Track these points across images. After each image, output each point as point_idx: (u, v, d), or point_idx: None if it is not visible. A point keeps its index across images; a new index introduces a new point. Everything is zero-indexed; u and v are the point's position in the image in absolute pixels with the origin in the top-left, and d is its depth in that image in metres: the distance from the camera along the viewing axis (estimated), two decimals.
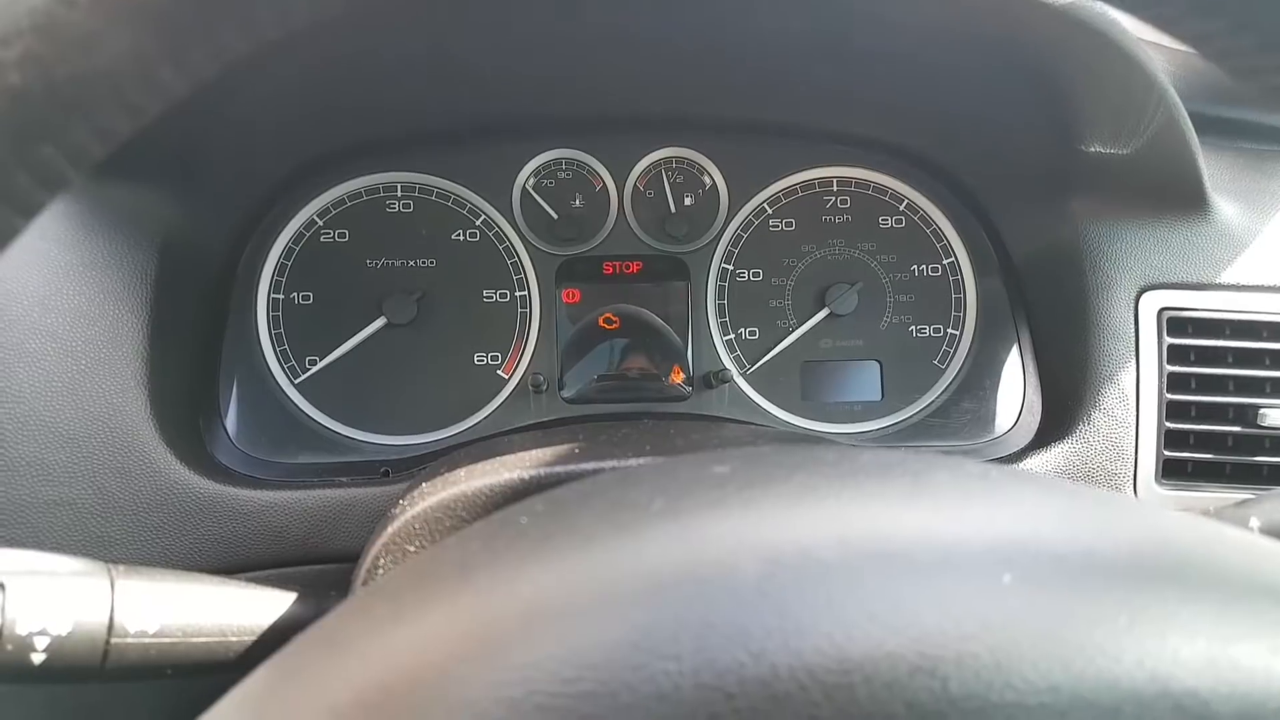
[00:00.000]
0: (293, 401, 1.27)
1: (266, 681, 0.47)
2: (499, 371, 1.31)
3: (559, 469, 0.79)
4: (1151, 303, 1.16)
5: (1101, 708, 0.35)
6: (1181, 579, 0.42)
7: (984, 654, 0.35)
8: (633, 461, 0.81)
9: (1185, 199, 1.16)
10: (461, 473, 0.81)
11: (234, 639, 0.75)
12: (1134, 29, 0.99)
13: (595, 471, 0.79)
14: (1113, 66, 0.99)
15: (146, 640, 0.70)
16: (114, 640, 0.68)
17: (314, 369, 1.27)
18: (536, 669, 0.37)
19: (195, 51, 0.43)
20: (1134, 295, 1.16)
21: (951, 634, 0.36)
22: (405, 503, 0.79)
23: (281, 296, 1.28)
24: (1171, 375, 1.15)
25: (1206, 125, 1.14)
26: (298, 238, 1.29)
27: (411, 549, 0.75)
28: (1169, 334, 1.15)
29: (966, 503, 0.49)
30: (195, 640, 0.73)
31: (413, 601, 0.47)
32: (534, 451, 0.85)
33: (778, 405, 1.33)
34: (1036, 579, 0.41)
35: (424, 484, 0.82)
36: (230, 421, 1.21)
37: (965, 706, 0.34)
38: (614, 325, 1.33)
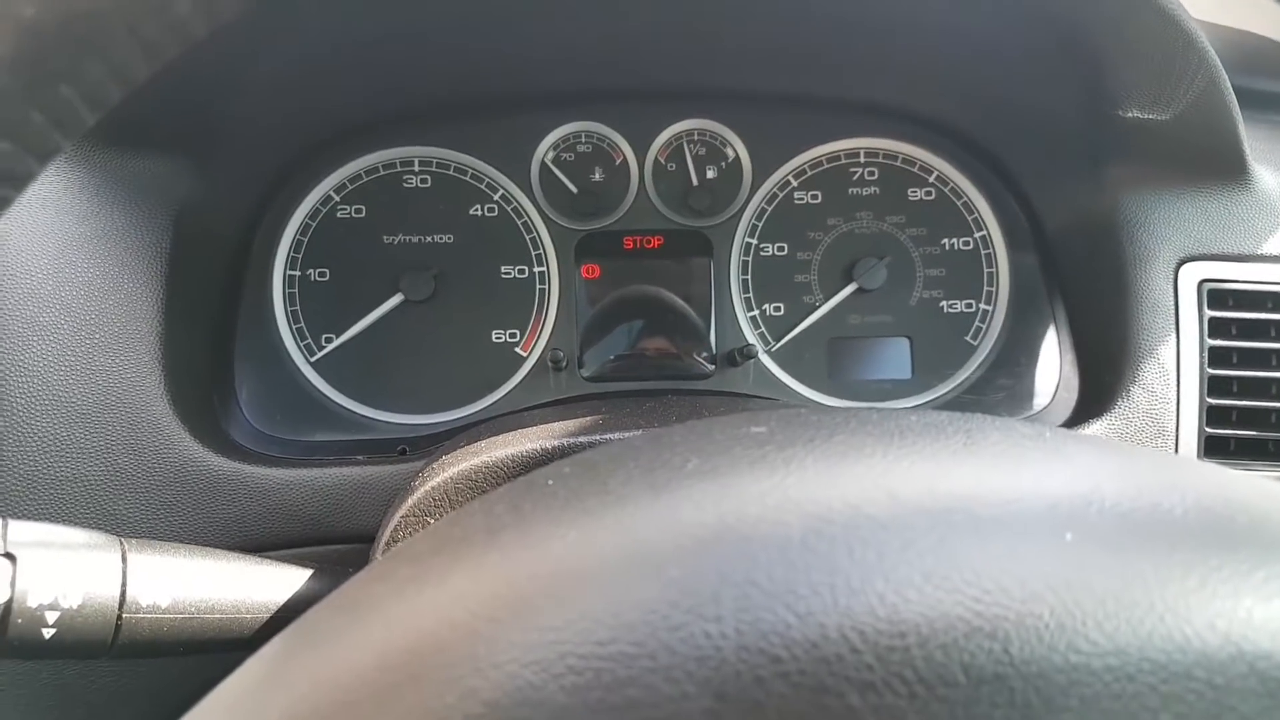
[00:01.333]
0: (308, 379, 1.25)
1: (287, 647, 0.46)
2: (517, 349, 1.29)
3: (583, 439, 0.76)
4: (1191, 274, 1.12)
5: (1171, 671, 0.33)
6: (1254, 538, 0.40)
7: (1047, 615, 0.34)
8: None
9: (1226, 167, 1.12)
10: (482, 444, 0.79)
11: (248, 615, 0.73)
12: None
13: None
14: (1151, 26, 0.95)
15: (159, 615, 0.69)
16: (125, 615, 0.66)
17: (330, 346, 1.25)
18: (568, 630, 0.35)
19: None
20: (1173, 267, 1.12)
21: (1012, 594, 0.34)
22: (425, 474, 0.77)
23: (297, 273, 1.26)
24: (1213, 349, 1.11)
25: (1245, 98, 1.10)
26: (314, 213, 1.27)
27: (431, 521, 0.73)
28: (1210, 307, 1.12)
29: (1023, 459, 0.47)
30: (209, 616, 0.71)
31: (437, 564, 0.45)
32: (556, 424, 0.83)
33: (804, 383, 1.30)
34: (1101, 536, 0.39)
35: (444, 456, 0.80)
36: (245, 399, 1.19)
37: (1027, 670, 0.33)
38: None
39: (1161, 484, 0.46)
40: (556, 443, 0.75)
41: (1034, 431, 0.51)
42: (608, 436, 0.77)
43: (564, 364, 1.27)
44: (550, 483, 0.51)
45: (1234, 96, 1.03)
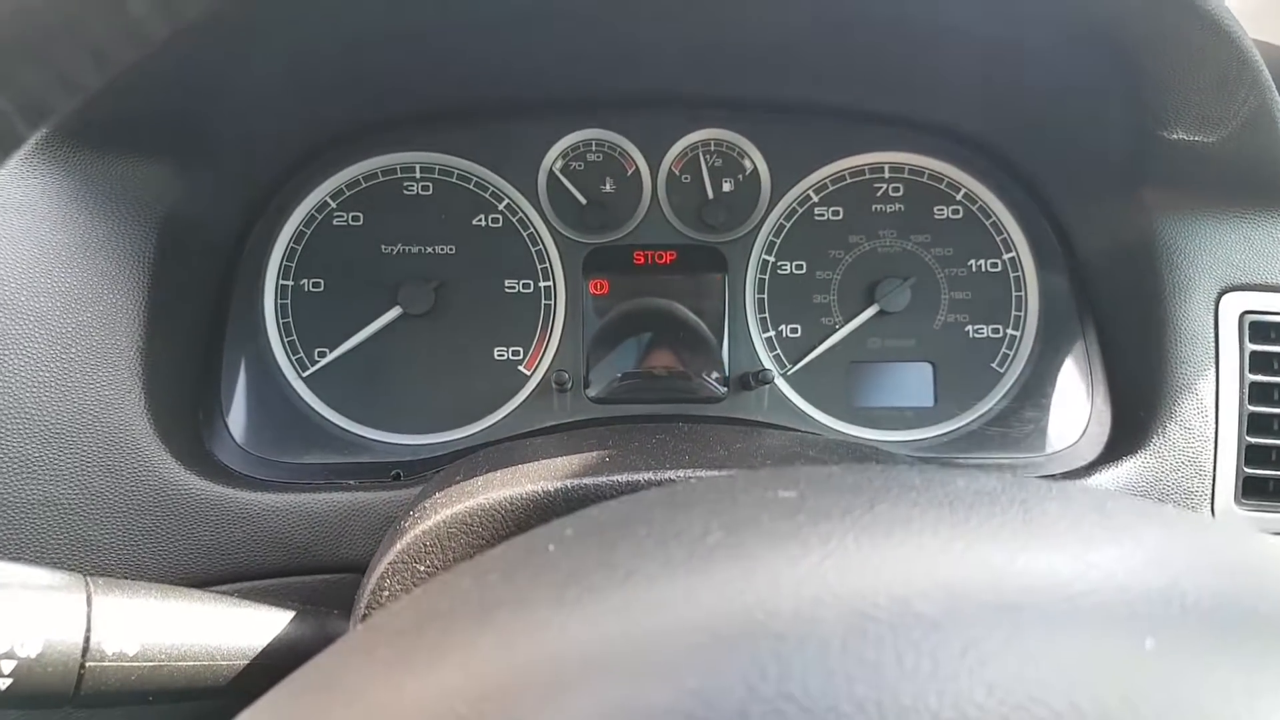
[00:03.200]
0: (300, 396, 1.20)
1: None
2: (520, 367, 1.24)
3: (588, 481, 0.71)
4: (1233, 305, 1.07)
5: None
6: None
7: None
8: (671, 475, 0.72)
9: (1272, 193, 1.07)
10: (478, 482, 0.73)
11: (223, 663, 0.69)
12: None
13: (630, 485, 0.71)
14: (1205, 42, 0.90)
15: (126, 664, 0.65)
16: (89, 664, 0.63)
17: (323, 361, 1.20)
18: None
19: None
20: (1214, 297, 1.07)
21: (1087, 713, 0.30)
22: (415, 515, 0.72)
23: (290, 283, 1.21)
24: (1254, 385, 1.06)
25: None
26: (309, 220, 1.22)
27: (422, 569, 0.67)
28: (1252, 340, 1.07)
29: (1090, 542, 0.41)
30: (180, 664, 0.67)
31: (423, 644, 0.40)
32: (558, 460, 0.77)
33: (821, 409, 1.25)
34: (1185, 644, 0.34)
35: (436, 494, 0.74)
36: (232, 417, 1.14)
37: None
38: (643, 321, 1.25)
39: (1250, 577, 0.41)
40: (559, 485, 0.70)
41: (1095, 503, 0.46)
42: (615, 479, 0.71)
43: (569, 385, 1.22)
44: (551, 549, 0.46)
45: None
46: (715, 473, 0.74)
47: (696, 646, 0.34)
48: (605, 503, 0.51)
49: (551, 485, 0.70)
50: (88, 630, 0.62)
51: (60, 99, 0.37)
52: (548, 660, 0.36)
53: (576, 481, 0.70)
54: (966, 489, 0.46)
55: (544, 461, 0.77)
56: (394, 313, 1.20)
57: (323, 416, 1.19)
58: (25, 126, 0.36)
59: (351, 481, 1.03)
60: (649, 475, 0.72)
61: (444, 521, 0.68)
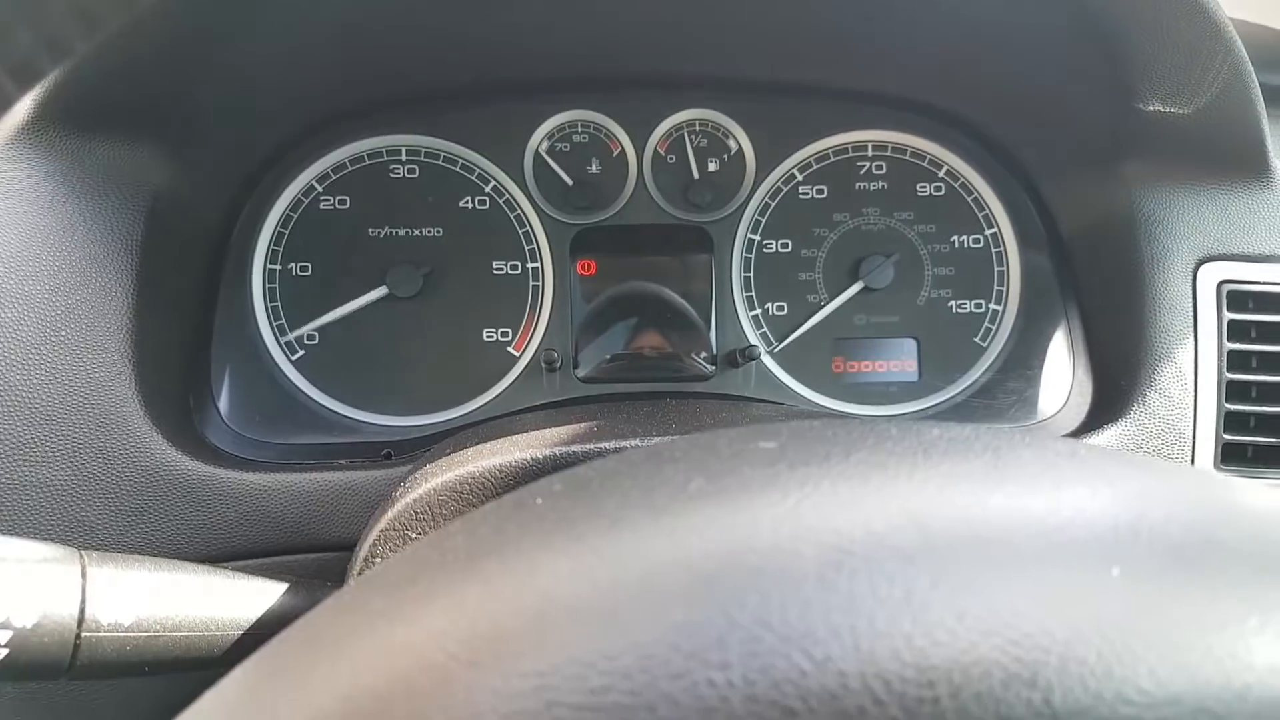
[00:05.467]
0: (289, 378, 1.20)
1: (245, 682, 0.42)
2: (509, 348, 1.24)
3: (576, 448, 0.72)
4: (1210, 275, 1.08)
5: None
6: None
7: (1093, 659, 0.31)
8: (658, 441, 0.74)
9: (1248, 165, 1.08)
10: (469, 452, 0.74)
11: (217, 633, 0.69)
12: None
13: (617, 451, 0.72)
14: (1179, 12, 0.91)
15: (121, 634, 0.65)
16: (85, 634, 0.63)
17: (303, 329, 1.21)
18: (556, 675, 0.32)
19: None
20: (1192, 267, 1.08)
21: (1055, 635, 0.31)
22: (407, 485, 0.72)
23: (278, 267, 1.21)
24: (1232, 353, 1.07)
25: (1268, 95, 1.06)
26: (296, 204, 1.22)
27: (412, 536, 0.68)
28: (1229, 309, 1.08)
29: (1060, 482, 0.43)
30: (175, 635, 0.68)
31: (412, 595, 0.42)
32: (548, 430, 0.78)
33: (807, 385, 1.26)
34: (1150, 571, 0.36)
35: (427, 465, 0.75)
36: (222, 399, 1.14)
37: None
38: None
39: (1213, 510, 0.42)
40: (548, 452, 0.71)
41: (1068, 449, 0.47)
42: (603, 445, 0.72)
43: (558, 364, 1.22)
44: (539, 502, 0.47)
45: (1259, 91, 0.99)
46: None
47: (679, 583, 0.36)
48: (592, 461, 0.52)
49: (541, 453, 0.71)
50: (83, 601, 0.63)
51: (48, 61, 0.37)
52: (536, 601, 0.37)
53: (565, 449, 0.71)
54: (941, 437, 0.47)
55: (533, 433, 0.78)
56: (380, 292, 1.21)
57: (312, 399, 1.20)
58: (15, 88, 0.37)
59: (343, 461, 1.03)
60: (636, 442, 0.73)
61: (434, 489, 0.69)
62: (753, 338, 1.26)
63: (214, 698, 0.42)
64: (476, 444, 0.78)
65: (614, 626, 0.34)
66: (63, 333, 0.92)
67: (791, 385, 1.26)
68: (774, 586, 0.34)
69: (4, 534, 0.63)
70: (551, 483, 0.50)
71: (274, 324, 1.20)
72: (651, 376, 1.25)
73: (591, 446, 0.72)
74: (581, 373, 1.24)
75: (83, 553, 0.65)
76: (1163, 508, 0.40)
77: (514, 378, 1.24)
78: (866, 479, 0.42)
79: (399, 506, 0.69)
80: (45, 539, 0.64)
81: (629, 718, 0.30)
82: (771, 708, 0.30)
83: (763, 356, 1.25)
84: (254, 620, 0.71)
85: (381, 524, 0.68)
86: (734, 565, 0.36)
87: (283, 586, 0.73)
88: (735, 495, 0.42)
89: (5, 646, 0.60)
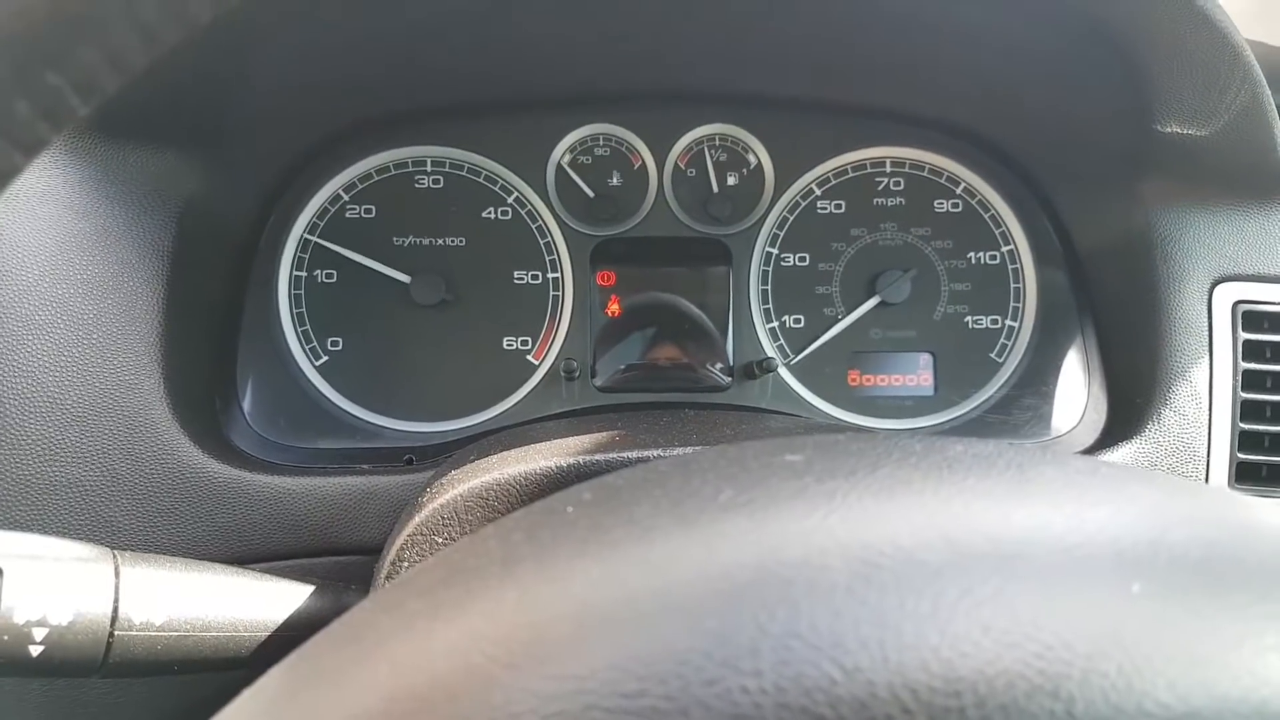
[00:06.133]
0: (313, 384, 1.22)
1: (284, 682, 0.43)
2: (529, 357, 1.26)
3: (600, 457, 0.73)
4: (1226, 295, 1.09)
5: None
6: None
7: (1114, 672, 0.31)
8: (680, 452, 0.75)
9: (1264, 186, 1.09)
10: (494, 459, 0.75)
11: (246, 634, 0.71)
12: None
13: (641, 462, 0.73)
14: (1199, 38, 0.92)
15: (152, 633, 0.66)
16: (118, 632, 0.64)
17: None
18: (594, 679, 0.32)
19: None
20: (1207, 287, 1.09)
21: (1077, 649, 0.32)
22: (433, 490, 0.74)
23: (304, 274, 1.23)
24: (1246, 373, 1.08)
25: None
26: (322, 213, 1.24)
27: (440, 540, 0.70)
28: (1244, 329, 1.08)
29: (1082, 501, 0.44)
30: (205, 635, 0.69)
31: (449, 598, 0.42)
32: (571, 439, 0.80)
33: (823, 398, 1.27)
34: (1171, 587, 0.36)
35: (452, 471, 0.77)
36: (248, 403, 1.16)
37: None
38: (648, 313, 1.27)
39: (1233, 528, 0.43)
40: (572, 460, 0.72)
41: (1089, 467, 0.48)
42: (626, 455, 0.74)
43: (576, 373, 1.24)
44: (570, 510, 0.48)
45: (1276, 113, 1.00)
46: None
47: (712, 592, 0.37)
48: (620, 471, 0.54)
49: (565, 461, 0.72)
50: (116, 600, 0.64)
51: (110, 80, 0.38)
52: (573, 606, 0.38)
53: (589, 458, 0.73)
54: (965, 453, 0.48)
55: (557, 441, 0.79)
56: (404, 276, 1.23)
57: (335, 404, 1.21)
58: (80, 103, 0.38)
59: (365, 466, 1.05)
60: (658, 452, 0.74)
61: (461, 495, 0.70)
62: (769, 350, 1.27)
63: (253, 696, 0.43)
64: (500, 451, 0.79)
65: (649, 632, 0.34)
66: (94, 335, 0.94)
67: (807, 398, 1.27)
68: (804, 597, 0.35)
69: (36, 532, 0.65)
70: (581, 491, 0.51)
71: (299, 330, 1.22)
72: (668, 387, 1.26)
73: (615, 456, 0.73)
74: (599, 382, 1.25)
75: (115, 552, 0.67)
76: (1183, 526, 0.41)
77: (533, 386, 1.25)
78: (893, 493, 0.43)
79: (426, 511, 0.70)
80: (75, 537, 0.66)
81: None
82: (802, 714, 0.30)
83: (779, 369, 1.26)
84: (281, 622, 0.72)
85: (409, 528, 0.70)
86: (765, 576, 0.37)
87: (309, 589, 0.75)
88: (765, 507, 0.43)
89: (41, 644, 0.61)
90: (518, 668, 0.34)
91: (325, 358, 1.23)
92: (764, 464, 0.49)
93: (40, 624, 0.60)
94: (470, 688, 0.34)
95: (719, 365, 1.26)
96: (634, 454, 0.74)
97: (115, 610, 0.64)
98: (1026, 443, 1.21)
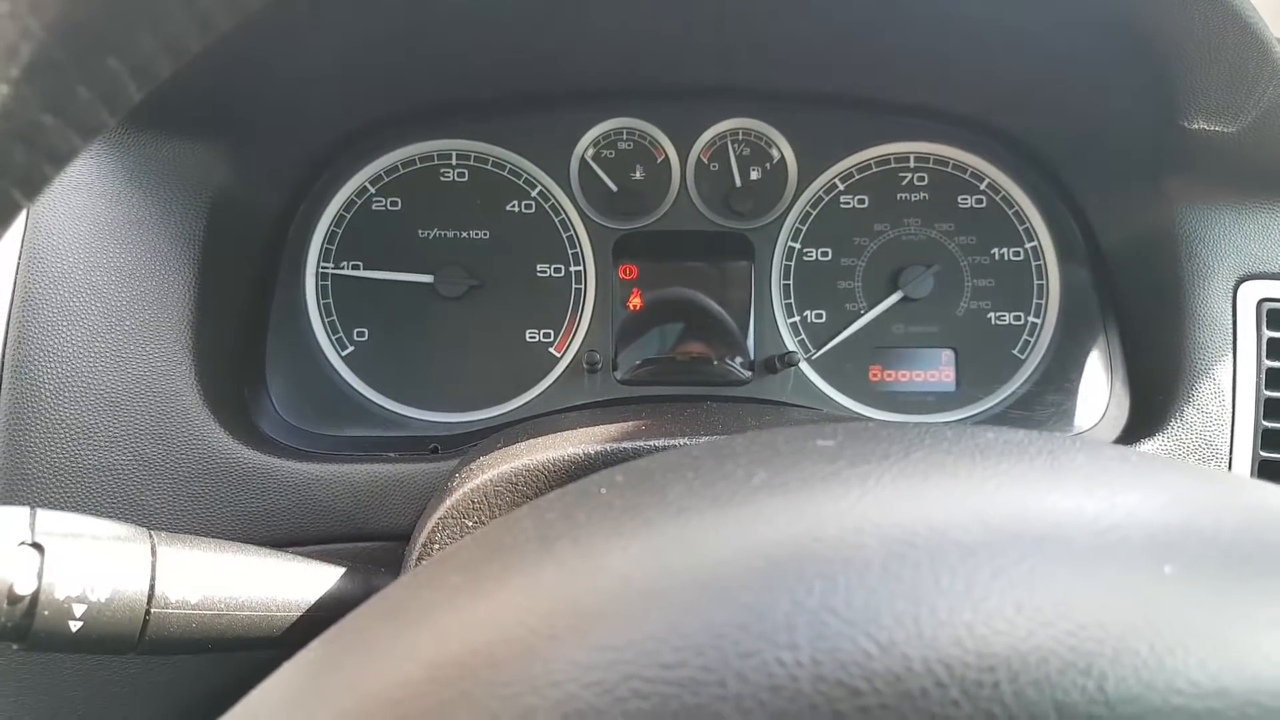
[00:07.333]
0: (339, 374, 1.23)
1: (330, 653, 0.44)
2: (551, 349, 1.27)
3: (627, 445, 0.74)
4: (1251, 293, 1.09)
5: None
6: None
7: (1145, 651, 0.32)
8: (705, 440, 0.75)
9: None
10: (521, 446, 0.76)
11: (278, 614, 0.72)
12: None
13: (667, 448, 0.74)
14: (1226, 32, 0.92)
15: (187, 611, 0.67)
16: (154, 610, 0.66)
17: (339, 269, 1.24)
18: (633, 650, 0.33)
19: None
20: (1232, 285, 1.09)
21: (1109, 628, 0.32)
22: (462, 476, 0.75)
23: (331, 265, 1.24)
24: (1270, 371, 1.08)
25: None
26: (349, 205, 1.25)
27: (470, 524, 0.71)
28: (1269, 327, 1.08)
29: (1116, 485, 0.44)
30: (238, 614, 0.70)
31: (490, 573, 0.43)
32: (597, 428, 0.81)
33: (844, 393, 1.27)
34: (1202, 569, 0.37)
35: (481, 457, 0.77)
36: (275, 391, 1.17)
37: (1124, 710, 0.31)
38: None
39: (1263, 513, 0.43)
40: (600, 448, 0.73)
41: (1119, 454, 0.49)
42: (652, 443, 0.74)
43: (599, 366, 1.24)
44: (604, 491, 0.49)
45: None
46: None
47: (747, 569, 0.37)
48: (651, 455, 0.54)
49: (594, 448, 0.73)
50: (152, 578, 0.65)
51: (165, 65, 0.39)
52: (610, 581, 0.39)
53: (617, 445, 0.73)
54: (996, 440, 0.49)
55: (584, 429, 0.80)
56: (426, 277, 1.24)
57: (361, 394, 1.23)
58: (136, 88, 0.39)
59: (391, 454, 1.06)
60: (684, 441, 0.75)
61: (491, 480, 0.71)
62: (791, 344, 1.27)
63: (299, 666, 0.44)
64: (526, 439, 0.80)
65: (687, 606, 0.35)
66: (127, 322, 0.96)
67: (828, 392, 1.27)
68: (840, 574, 0.35)
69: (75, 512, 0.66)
70: (613, 474, 0.52)
71: (325, 320, 1.23)
72: (689, 380, 1.27)
73: (642, 444, 0.74)
74: (620, 375, 1.26)
75: (152, 533, 0.68)
76: (1213, 511, 0.42)
77: (555, 378, 1.26)
78: (926, 476, 0.43)
79: (457, 495, 0.71)
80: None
81: (700, 692, 0.31)
82: (838, 687, 0.31)
83: (801, 363, 1.27)
84: (313, 602, 0.73)
85: (440, 512, 0.71)
86: (800, 553, 0.37)
87: (340, 571, 0.76)
88: (799, 489, 0.43)
89: (80, 620, 0.62)
90: (558, 639, 0.35)
91: (351, 348, 1.24)
92: (796, 448, 0.50)
93: (80, 600, 0.61)
94: (511, 657, 0.35)
95: (739, 359, 1.26)
96: (660, 442, 0.74)
97: (152, 588, 0.65)
98: None
